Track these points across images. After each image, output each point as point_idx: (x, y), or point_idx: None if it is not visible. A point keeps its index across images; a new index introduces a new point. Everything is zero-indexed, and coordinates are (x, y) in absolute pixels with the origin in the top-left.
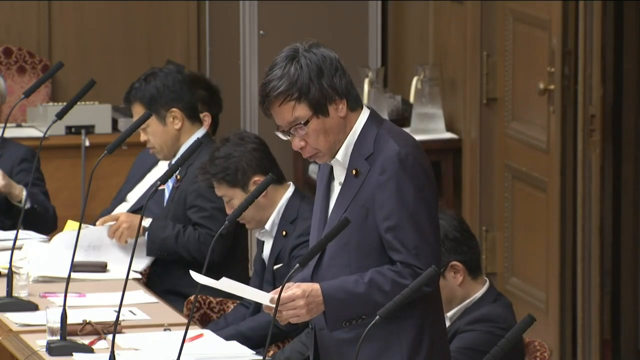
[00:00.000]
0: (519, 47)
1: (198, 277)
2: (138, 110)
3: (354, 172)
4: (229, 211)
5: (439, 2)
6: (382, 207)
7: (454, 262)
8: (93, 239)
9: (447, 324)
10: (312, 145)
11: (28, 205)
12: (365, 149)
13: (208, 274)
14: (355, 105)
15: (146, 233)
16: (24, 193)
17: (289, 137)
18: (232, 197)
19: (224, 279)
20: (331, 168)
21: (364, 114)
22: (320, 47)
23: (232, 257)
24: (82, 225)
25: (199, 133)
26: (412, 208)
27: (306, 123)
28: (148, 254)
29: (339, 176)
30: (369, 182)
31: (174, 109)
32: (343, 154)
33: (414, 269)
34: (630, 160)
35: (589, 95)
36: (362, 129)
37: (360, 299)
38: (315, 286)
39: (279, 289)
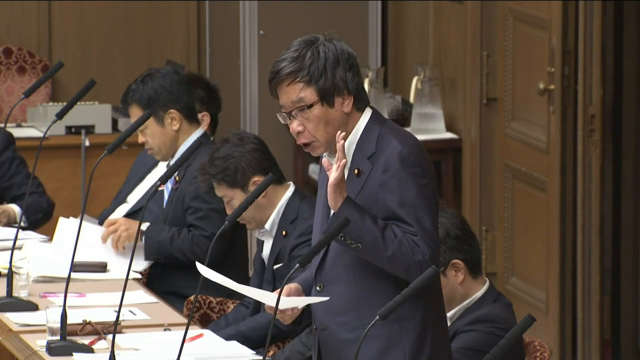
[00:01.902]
0: (519, 47)
1: (204, 270)
2: (136, 112)
3: (356, 171)
4: (229, 212)
5: (439, 2)
6: (384, 207)
7: (456, 261)
8: (94, 240)
9: (449, 323)
10: (310, 132)
11: (24, 224)
12: (367, 148)
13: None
14: (362, 106)
15: (143, 237)
16: (17, 211)
17: (288, 121)
18: (232, 198)
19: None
20: None
21: (367, 114)
22: (342, 42)
23: (229, 258)
24: (85, 217)
25: (197, 133)
26: (414, 207)
27: (310, 106)
28: (146, 258)
29: None
30: (371, 182)
31: (172, 110)
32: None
33: (422, 251)
34: (630, 160)
35: (589, 95)
36: (365, 128)
37: (373, 222)
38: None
39: (279, 289)
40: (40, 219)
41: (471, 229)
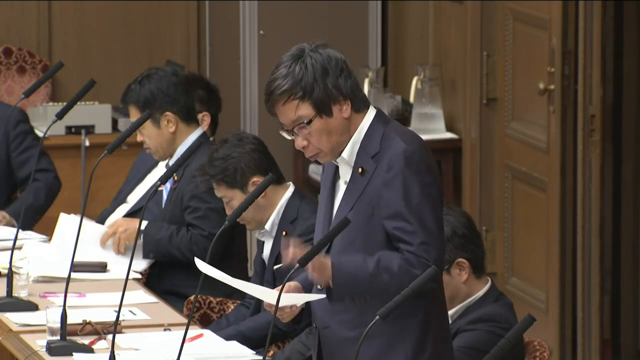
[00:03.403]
0: (519, 47)
1: (203, 267)
2: (134, 113)
3: (360, 170)
4: (228, 212)
5: (439, 2)
6: (388, 205)
7: (461, 259)
8: (94, 239)
9: (449, 322)
10: (314, 145)
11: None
12: (371, 147)
13: (206, 276)
14: (360, 106)
15: (142, 235)
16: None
17: (292, 137)
18: (232, 198)
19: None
20: (336, 167)
21: (371, 114)
22: (327, 47)
23: (228, 257)
24: (84, 218)
25: (196, 134)
26: (417, 206)
27: (309, 122)
28: (144, 257)
29: (345, 175)
30: (375, 180)
31: (167, 113)
32: (349, 153)
33: (422, 260)
34: (630, 160)
35: (589, 95)
36: (369, 128)
37: (367, 276)
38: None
39: (279, 287)
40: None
41: (477, 229)
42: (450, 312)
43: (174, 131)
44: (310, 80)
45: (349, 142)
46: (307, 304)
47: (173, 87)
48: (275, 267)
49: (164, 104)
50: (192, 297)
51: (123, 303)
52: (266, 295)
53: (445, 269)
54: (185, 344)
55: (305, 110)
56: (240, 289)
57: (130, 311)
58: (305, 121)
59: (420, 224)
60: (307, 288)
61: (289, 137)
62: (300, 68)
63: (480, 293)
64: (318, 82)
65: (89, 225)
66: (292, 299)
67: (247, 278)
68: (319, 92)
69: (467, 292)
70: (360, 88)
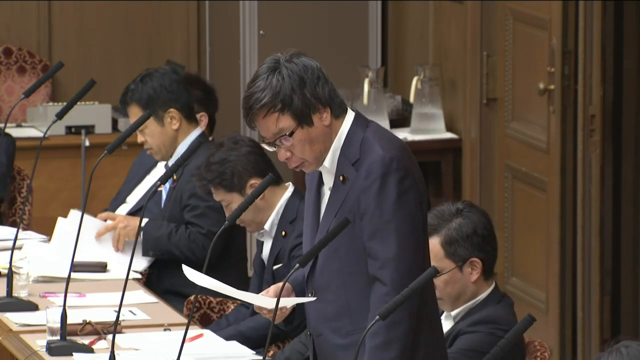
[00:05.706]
0: (519, 47)
1: (191, 274)
2: (135, 112)
3: (341, 178)
4: (228, 215)
5: (439, 2)
6: (364, 213)
7: (475, 259)
8: (93, 237)
9: (451, 323)
10: (298, 156)
11: None
12: (351, 154)
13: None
14: (339, 112)
15: (142, 233)
16: None
17: (274, 149)
18: (230, 202)
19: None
20: (320, 172)
21: (349, 118)
22: (301, 56)
23: (227, 257)
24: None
25: (196, 133)
26: (389, 215)
27: (291, 134)
28: (143, 254)
29: (328, 181)
30: (355, 188)
31: (171, 110)
32: (330, 160)
33: (378, 284)
34: (630, 160)
35: (589, 95)
36: (348, 133)
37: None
38: None
39: (273, 288)
40: None
41: (494, 231)
42: (453, 313)
43: (177, 128)
44: (288, 91)
45: (330, 148)
46: (301, 307)
47: (175, 84)
48: (275, 267)
49: (168, 101)
50: (192, 297)
51: (123, 303)
52: (260, 300)
53: (458, 266)
54: (185, 344)
55: (286, 122)
56: (235, 297)
57: (130, 311)
58: (287, 133)
59: (388, 236)
60: (297, 290)
61: (271, 149)
62: (277, 80)
63: (484, 295)
64: (296, 93)
65: (89, 221)
66: (281, 302)
67: (246, 278)
68: (298, 102)
69: (474, 292)
70: (338, 93)
